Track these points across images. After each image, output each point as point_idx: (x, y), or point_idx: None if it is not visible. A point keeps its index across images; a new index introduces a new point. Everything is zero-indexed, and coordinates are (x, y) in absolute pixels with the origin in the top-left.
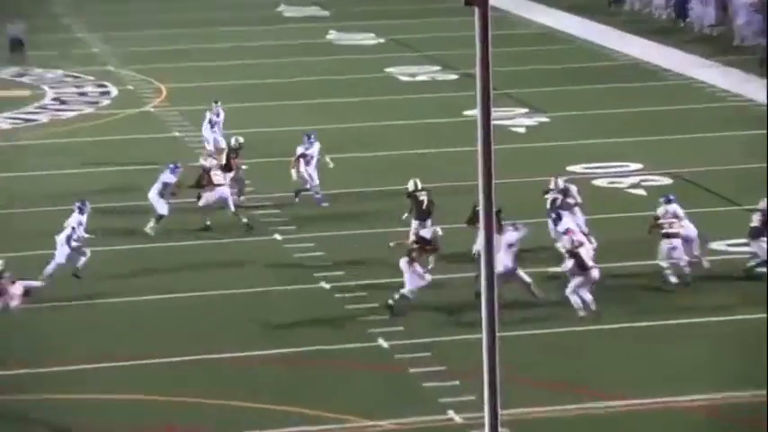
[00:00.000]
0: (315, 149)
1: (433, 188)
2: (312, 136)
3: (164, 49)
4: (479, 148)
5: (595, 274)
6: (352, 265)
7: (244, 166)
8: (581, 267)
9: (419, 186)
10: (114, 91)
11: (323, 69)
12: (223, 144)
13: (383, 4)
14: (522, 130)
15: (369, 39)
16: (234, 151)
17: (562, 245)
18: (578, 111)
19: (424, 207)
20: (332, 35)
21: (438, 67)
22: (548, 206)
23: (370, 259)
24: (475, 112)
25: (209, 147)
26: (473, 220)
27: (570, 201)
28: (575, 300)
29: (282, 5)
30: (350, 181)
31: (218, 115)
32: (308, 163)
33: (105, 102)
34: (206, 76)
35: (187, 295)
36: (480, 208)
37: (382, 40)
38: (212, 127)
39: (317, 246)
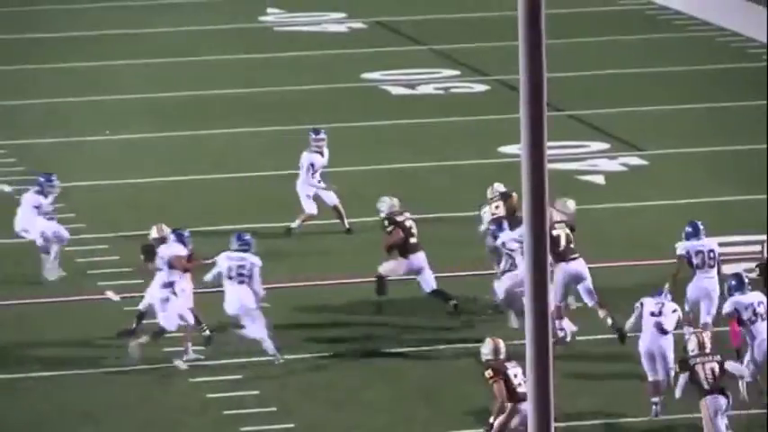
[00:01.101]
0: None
1: None
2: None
3: None
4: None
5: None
6: None
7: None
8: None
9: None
10: None
11: None
12: (334, 200)
13: None
14: (599, 179)
15: None
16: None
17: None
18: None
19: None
20: None
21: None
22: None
23: None
24: (515, 149)
25: (310, 211)
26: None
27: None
28: None
29: None
30: None
31: (321, 152)
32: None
33: None
34: (57, 83)
35: None
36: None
37: None
38: (312, 174)
39: None
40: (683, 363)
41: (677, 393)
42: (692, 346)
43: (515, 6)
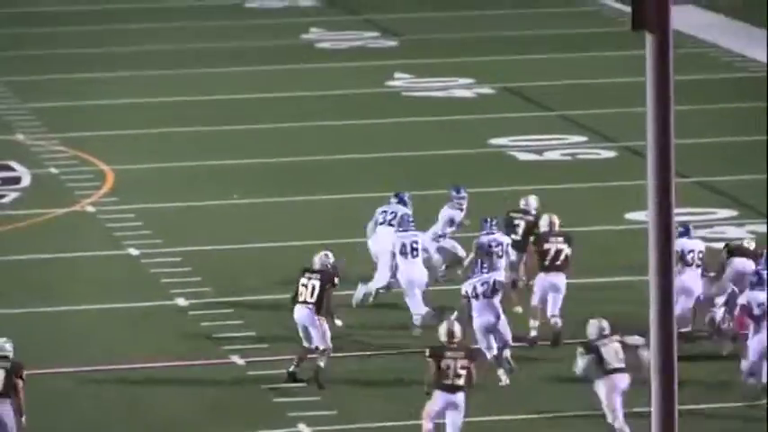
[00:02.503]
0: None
1: None
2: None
3: (103, 102)
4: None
5: (620, 381)
6: None
7: None
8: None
9: None
10: (26, 178)
11: None
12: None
13: None
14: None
15: None
16: None
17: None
18: None
19: None
20: None
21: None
22: None
23: None
24: (642, 216)
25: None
26: None
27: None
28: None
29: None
30: None
31: (460, 206)
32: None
33: (11, 196)
34: (183, 148)
35: None
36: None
37: None
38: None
39: None
40: (587, 346)
41: (578, 372)
42: (591, 330)
43: (643, 72)
